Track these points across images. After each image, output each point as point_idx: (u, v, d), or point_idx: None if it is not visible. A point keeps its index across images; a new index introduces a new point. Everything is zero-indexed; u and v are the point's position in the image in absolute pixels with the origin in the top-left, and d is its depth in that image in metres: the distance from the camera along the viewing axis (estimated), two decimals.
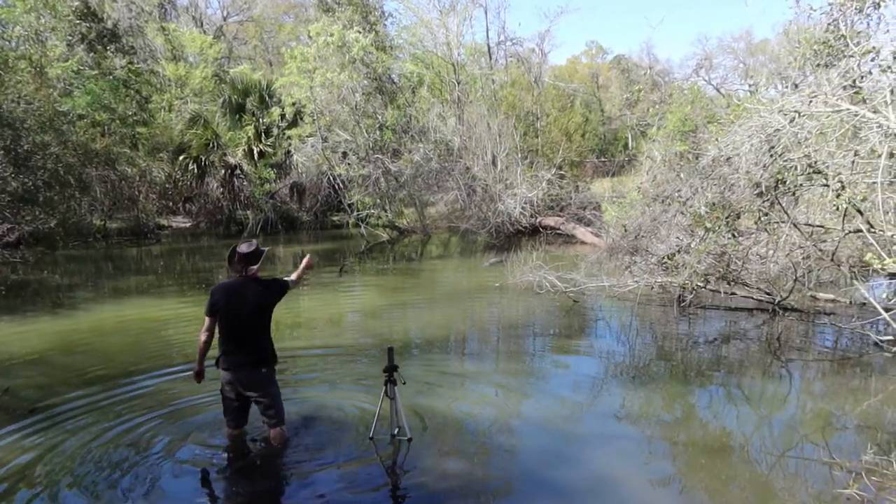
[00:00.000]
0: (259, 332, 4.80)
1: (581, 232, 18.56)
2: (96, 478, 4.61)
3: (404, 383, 5.01)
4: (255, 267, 4.79)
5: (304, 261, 5.32)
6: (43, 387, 6.66)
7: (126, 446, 5.10)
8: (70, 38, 22.03)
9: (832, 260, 8.52)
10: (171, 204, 25.30)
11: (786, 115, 7.52)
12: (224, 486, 4.65)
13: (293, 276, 5.18)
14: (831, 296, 9.45)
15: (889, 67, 6.48)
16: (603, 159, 35.41)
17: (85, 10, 23.12)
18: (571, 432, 5.46)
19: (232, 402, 4.87)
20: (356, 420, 5.50)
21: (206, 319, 4.75)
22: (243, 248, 4.80)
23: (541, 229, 20.14)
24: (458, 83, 23.97)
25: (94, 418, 5.71)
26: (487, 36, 27.06)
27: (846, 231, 7.83)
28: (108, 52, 23.61)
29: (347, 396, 6.13)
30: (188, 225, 25.39)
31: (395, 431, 4.96)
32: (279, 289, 4.93)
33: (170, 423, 5.55)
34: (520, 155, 21.63)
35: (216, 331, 4.76)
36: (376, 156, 20.99)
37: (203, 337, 4.76)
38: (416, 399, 5.84)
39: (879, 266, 4.95)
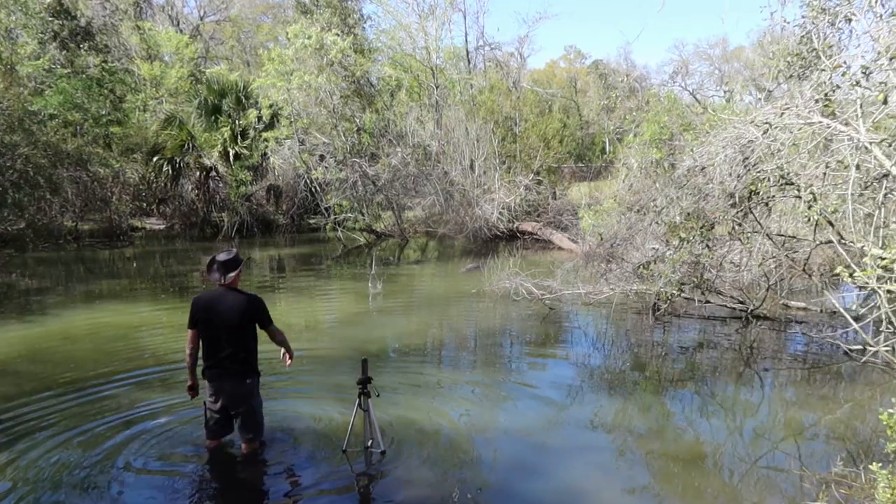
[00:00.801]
0: (241, 343, 4.73)
1: (558, 238, 18.65)
2: (63, 493, 4.50)
3: (378, 395, 4.97)
4: (234, 274, 4.73)
5: (287, 357, 5.14)
6: (8, 396, 6.47)
7: (93, 455, 4.99)
8: (42, 35, 21.63)
9: (804, 269, 8.65)
10: (144, 205, 24.88)
11: (759, 126, 7.62)
12: (194, 498, 4.57)
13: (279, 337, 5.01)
14: (803, 304, 9.60)
15: (859, 82, 6.58)
16: (580, 164, 35.56)
17: (58, 8, 22.70)
18: (546, 442, 5.46)
19: (214, 413, 4.81)
20: (329, 432, 5.44)
21: (189, 332, 4.73)
22: (222, 256, 4.77)
23: (518, 235, 20.21)
24: (437, 87, 24.02)
25: (62, 426, 5.59)
26: (466, 40, 27.16)
27: (817, 241, 7.97)
28: (82, 51, 23.20)
29: (321, 407, 6.06)
30: (162, 227, 25.03)
31: (369, 444, 4.91)
32: (260, 313, 4.80)
33: (141, 431, 5.45)
34: (498, 160, 21.67)
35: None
36: (354, 159, 20.91)
37: (188, 350, 4.75)
38: (391, 409, 5.79)
39: (848, 277, 5.03)
